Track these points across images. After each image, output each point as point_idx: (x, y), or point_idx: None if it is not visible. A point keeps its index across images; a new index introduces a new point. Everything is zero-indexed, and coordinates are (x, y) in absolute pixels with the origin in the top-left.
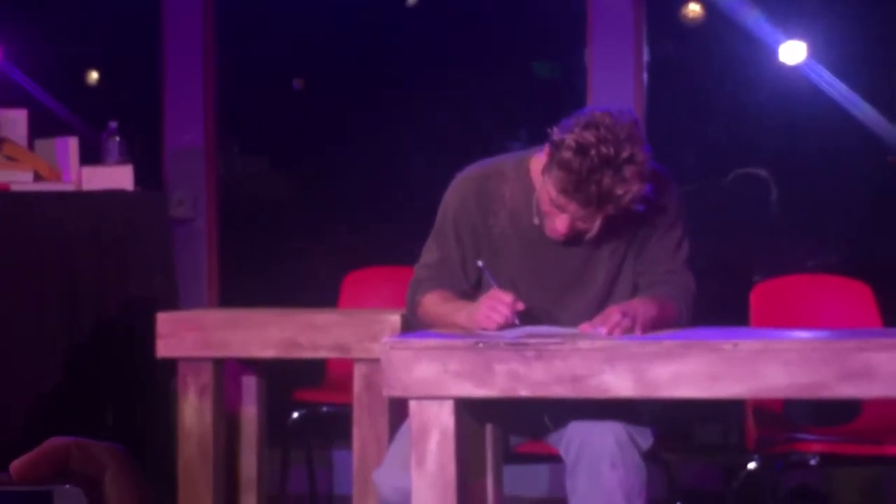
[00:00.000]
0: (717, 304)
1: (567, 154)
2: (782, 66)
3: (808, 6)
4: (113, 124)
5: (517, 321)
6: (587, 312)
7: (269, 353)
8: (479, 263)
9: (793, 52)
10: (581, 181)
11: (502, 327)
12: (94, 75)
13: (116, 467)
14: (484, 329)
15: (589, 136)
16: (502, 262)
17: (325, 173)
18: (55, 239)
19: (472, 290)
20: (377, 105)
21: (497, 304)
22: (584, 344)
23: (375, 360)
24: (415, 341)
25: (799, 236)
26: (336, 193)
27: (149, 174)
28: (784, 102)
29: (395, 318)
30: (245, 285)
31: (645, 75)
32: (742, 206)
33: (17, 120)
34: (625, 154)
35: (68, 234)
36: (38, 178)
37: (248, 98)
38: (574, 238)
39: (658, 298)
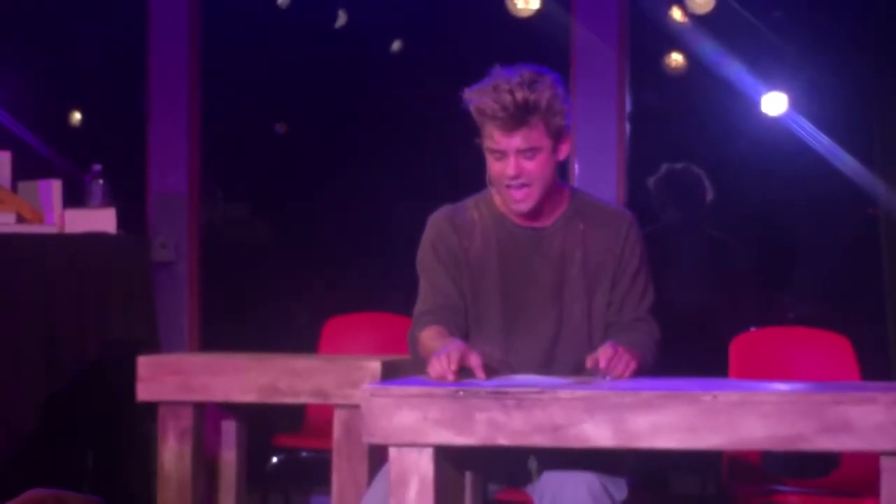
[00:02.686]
0: (697, 355)
1: (476, 96)
2: (764, 118)
3: (790, 58)
4: (97, 167)
5: (475, 374)
6: (566, 328)
7: (249, 397)
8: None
9: (774, 103)
10: (497, 102)
11: (457, 380)
12: (77, 116)
13: None
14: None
15: (478, 87)
16: (482, 280)
17: (307, 219)
18: (37, 282)
19: (462, 313)
20: (360, 151)
21: (446, 363)
22: (563, 394)
23: (355, 407)
24: (395, 388)
25: (779, 288)
26: (318, 239)
27: (132, 218)
28: (765, 153)
29: (375, 365)
30: (226, 330)
31: (627, 125)
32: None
33: (0, 161)
34: (526, 75)
35: (50, 276)
36: (20, 220)
37: (232, 143)
38: (531, 184)
39: (635, 348)
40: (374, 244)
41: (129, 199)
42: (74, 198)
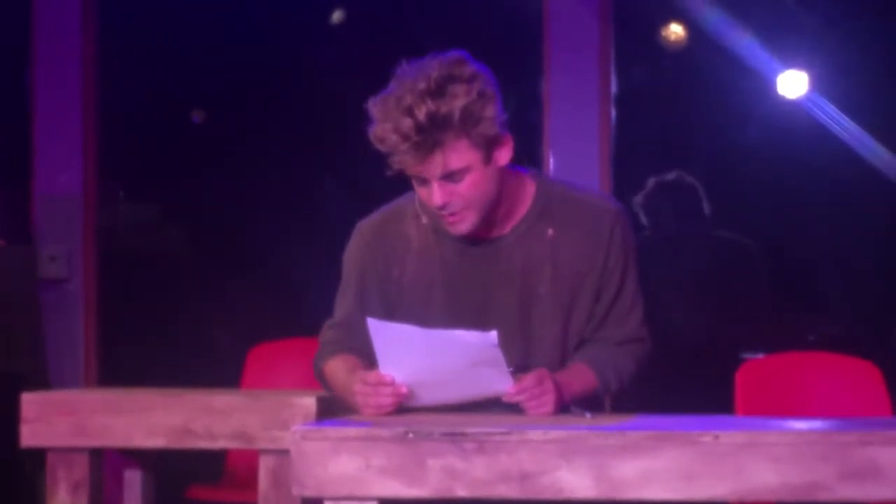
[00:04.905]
0: (697, 385)
1: (375, 118)
2: (780, 100)
3: (810, 32)
4: None
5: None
6: (537, 361)
7: (156, 442)
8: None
9: (793, 83)
10: (396, 131)
11: (392, 412)
12: None
13: None
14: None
15: (377, 103)
16: (423, 312)
17: (228, 224)
18: None
19: None
20: (293, 143)
21: (371, 393)
22: (534, 435)
23: (285, 452)
24: (332, 430)
25: (797, 304)
26: (241, 249)
27: (14, 226)
28: (781, 142)
29: (308, 402)
30: (129, 360)
31: (612, 109)
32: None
33: None
34: (434, 76)
35: None
36: None
37: (136, 135)
38: (465, 209)
39: (573, 372)
40: (309, 256)
41: (11, 202)
42: None
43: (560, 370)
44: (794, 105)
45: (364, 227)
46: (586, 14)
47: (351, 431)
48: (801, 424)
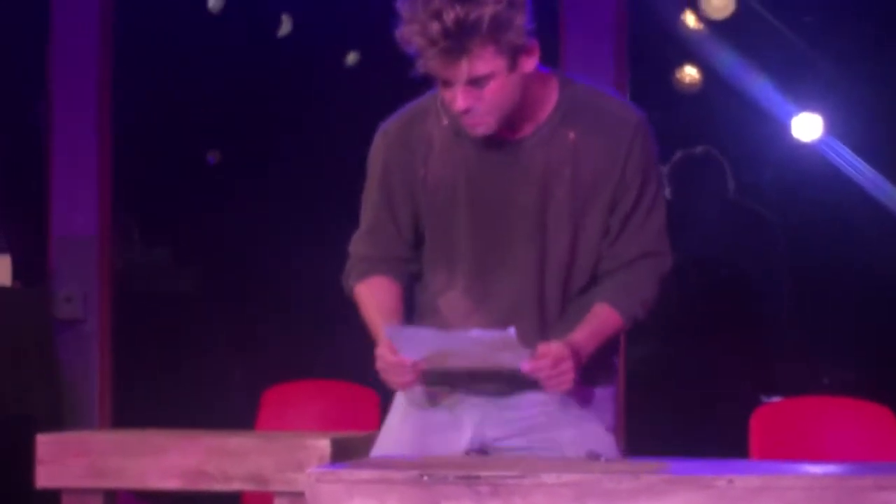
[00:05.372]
0: (711, 428)
1: (401, 29)
2: (794, 143)
3: (825, 75)
4: None
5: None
6: (552, 265)
7: (171, 483)
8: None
9: (807, 126)
10: (424, 34)
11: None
12: None
13: None
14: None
15: (405, 3)
16: (446, 212)
17: (242, 265)
18: None
19: (411, 254)
20: (305, 184)
21: (391, 371)
22: (548, 478)
23: (300, 495)
24: (346, 472)
25: (811, 348)
26: (255, 290)
27: (30, 266)
28: (795, 185)
29: (323, 444)
30: (144, 401)
31: None
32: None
33: None
34: None
35: None
36: None
37: (151, 174)
38: (486, 114)
39: (596, 324)
40: (324, 296)
41: (27, 243)
42: None
43: (581, 321)
44: (808, 148)
45: (387, 128)
46: (601, 56)
47: (365, 474)
48: (815, 469)
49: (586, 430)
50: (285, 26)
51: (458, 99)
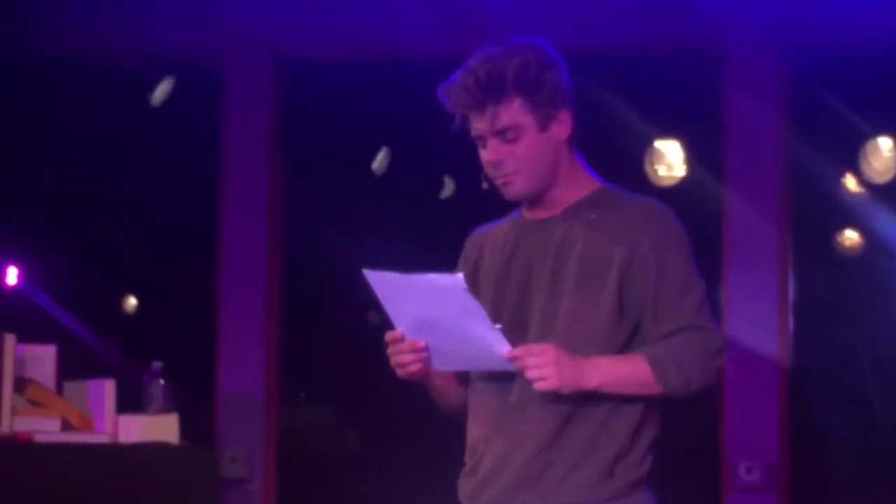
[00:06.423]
0: None
1: (446, 89)
2: None
3: None
4: (157, 365)
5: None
6: (552, 326)
7: None
8: (497, 326)
9: None
10: (461, 84)
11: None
12: (132, 302)
13: None
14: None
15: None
16: (486, 282)
17: (406, 426)
18: (84, 500)
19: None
20: None
21: (392, 352)
22: None
23: None
24: None
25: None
26: (420, 447)
27: (197, 425)
28: None
29: None
30: None
31: (790, 317)
32: None
33: (43, 358)
34: (489, 50)
35: (101, 495)
36: (66, 427)
37: (316, 336)
38: (516, 172)
39: (620, 358)
40: None
41: (195, 403)
42: (130, 401)
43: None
44: None
45: (471, 234)
46: (765, 221)
47: None
48: None
49: None
50: (447, 188)
51: (490, 151)
